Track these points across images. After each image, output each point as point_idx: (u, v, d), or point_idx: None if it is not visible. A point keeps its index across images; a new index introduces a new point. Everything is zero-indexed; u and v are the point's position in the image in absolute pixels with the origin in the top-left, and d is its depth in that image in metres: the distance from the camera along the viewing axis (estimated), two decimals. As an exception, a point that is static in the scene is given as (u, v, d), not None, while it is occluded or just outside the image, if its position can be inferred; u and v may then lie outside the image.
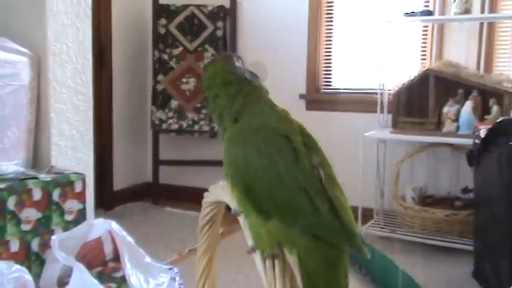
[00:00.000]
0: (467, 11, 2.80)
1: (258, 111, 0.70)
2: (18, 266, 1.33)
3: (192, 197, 3.54)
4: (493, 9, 2.90)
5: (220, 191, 0.75)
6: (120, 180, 3.65)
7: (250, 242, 0.64)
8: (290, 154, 0.66)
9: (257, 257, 0.61)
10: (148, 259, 1.62)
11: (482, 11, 2.90)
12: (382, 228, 2.93)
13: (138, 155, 3.83)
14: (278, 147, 0.66)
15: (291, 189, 0.64)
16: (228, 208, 0.78)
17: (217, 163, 3.57)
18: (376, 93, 3.02)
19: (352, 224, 0.64)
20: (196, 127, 3.50)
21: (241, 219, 0.67)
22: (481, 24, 2.95)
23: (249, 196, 0.65)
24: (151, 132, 3.66)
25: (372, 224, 2.98)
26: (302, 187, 0.64)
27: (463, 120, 2.71)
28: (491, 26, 2.94)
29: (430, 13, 2.91)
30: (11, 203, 1.53)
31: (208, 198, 0.80)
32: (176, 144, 3.75)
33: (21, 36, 1.86)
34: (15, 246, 1.56)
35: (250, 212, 0.65)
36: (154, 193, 3.69)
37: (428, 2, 3.08)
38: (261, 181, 0.65)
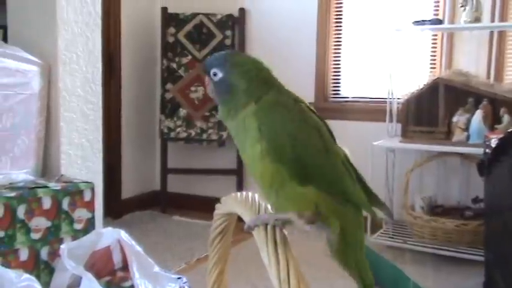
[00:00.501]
0: (477, 19, 2.78)
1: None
2: (27, 275, 1.33)
3: (200, 206, 3.55)
4: (503, 17, 2.89)
5: (233, 203, 0.75)
6: (129, 189, 3.66)
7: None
8: (325, 126, 0.72)
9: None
10: (157, 268, 1.61)
11: (493, 20, 2.89)
12: (391, 238, 2.91)
13: (147, 163, 3.83)
14: (315, 119, 0.71)
15: (333, 157, 0.70)
16: (239, 219, 0.78)
17: (226, 172, 3.59)
18: (385, 102, 3.01)
19: (372, 190, 0.74)
20: (204, 135, 3.51)
21: (255, 233, 0.66)
22: (491, 32, 2.93)
23: (292, 164, 0.66)
24: (159, 141, 3.67)
25: (381, 233, 2.95)
26: (340, 155, 0.72)
27: (473, 130, 2.69)
28: (502, 34, 2.93)
29: (439, 22, 2.90)
30: (20, 212, 1.54)
31: (220, 209, 0.80)
32: (184, 153, 3.75)
33: (32, 45, 1.87)
34: (24, 255, 1.56)
35: (289, 181, 0.67)
36: (163, 201, 3.69)
37: (437, 10, 3.07)
38: (309, 147, 0.68)
